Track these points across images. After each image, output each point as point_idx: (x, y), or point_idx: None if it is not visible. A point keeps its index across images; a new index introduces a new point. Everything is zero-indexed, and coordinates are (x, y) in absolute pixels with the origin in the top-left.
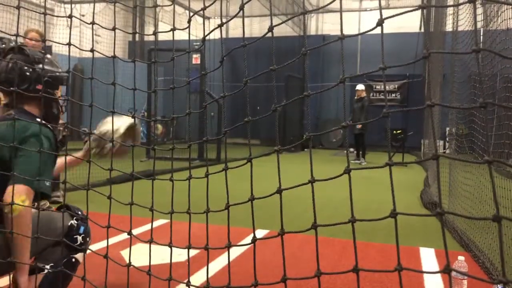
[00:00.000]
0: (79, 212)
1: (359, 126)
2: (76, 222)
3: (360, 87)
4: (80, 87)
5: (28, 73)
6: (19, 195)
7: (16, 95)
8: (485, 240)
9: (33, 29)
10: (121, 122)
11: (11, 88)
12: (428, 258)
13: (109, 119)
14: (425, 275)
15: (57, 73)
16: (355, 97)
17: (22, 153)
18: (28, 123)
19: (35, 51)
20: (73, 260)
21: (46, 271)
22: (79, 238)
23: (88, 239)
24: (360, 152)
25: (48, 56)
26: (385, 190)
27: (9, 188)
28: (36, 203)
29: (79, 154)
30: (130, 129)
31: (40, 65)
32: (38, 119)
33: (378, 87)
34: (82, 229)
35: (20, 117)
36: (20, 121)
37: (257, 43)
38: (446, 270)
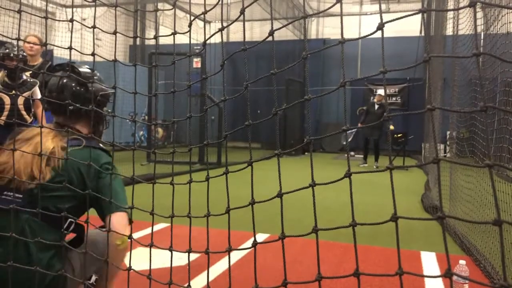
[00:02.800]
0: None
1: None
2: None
3: (381, 92)
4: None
5: (81, 92)
6: (125, 227)
7: (70, 115)
8: (486, 244)
9: (32, 34)
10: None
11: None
12: (429, 262)
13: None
14: (426, 279)
15: (107, 91)
16: (375, 101)
17: (106, 180)
18: (98, 151)
19: (86, 70)
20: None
21: (92, 280)
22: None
23: None
24: (364, 155)
25: (96, 73)
26: (386, 193)
27: (116, 217)
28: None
29: None
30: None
31: (91, 84)
32: (102, 146)
33: (378, 90)
34: None
35: (91, 144)
36: (94, 149)
37: (257, 47)
38: (447, 274)
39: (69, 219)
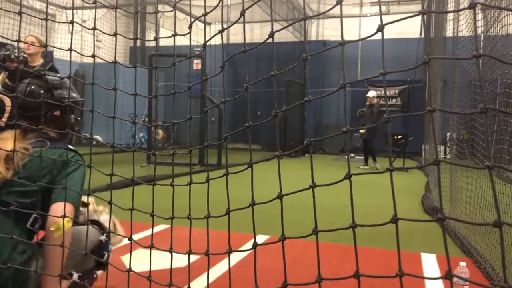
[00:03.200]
0: (108, 228)
1: (362, 131)
2: (105, 238)
3: (371, 93)
4: (81, 92)
5: (47, 98)
6: (67, 214)
7: (34, 120)
8: (487, 245)
9: (31, 35)
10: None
11: (29, 114)
12: (430, 264)
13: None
14: (426, 281)
15: (75, 99)
16: (367, 103)
17: (66, 173)
18: (65, 150)
19: (54, 77)
20: (94, 275)
21: (74, 278)
22: (106, 255)
23: (110, 257)
24: (364, 157)
25: (66, 80)
26: (386, 195)
27: (57, 206)
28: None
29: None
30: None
31: (58, 91)
32: (70, 146)
33: (378, 92)
34: (110, 246)
35: (57, 145)
36: (60, 149)
37: (258, 48)
38: (447, 276)
39: (34, 215)
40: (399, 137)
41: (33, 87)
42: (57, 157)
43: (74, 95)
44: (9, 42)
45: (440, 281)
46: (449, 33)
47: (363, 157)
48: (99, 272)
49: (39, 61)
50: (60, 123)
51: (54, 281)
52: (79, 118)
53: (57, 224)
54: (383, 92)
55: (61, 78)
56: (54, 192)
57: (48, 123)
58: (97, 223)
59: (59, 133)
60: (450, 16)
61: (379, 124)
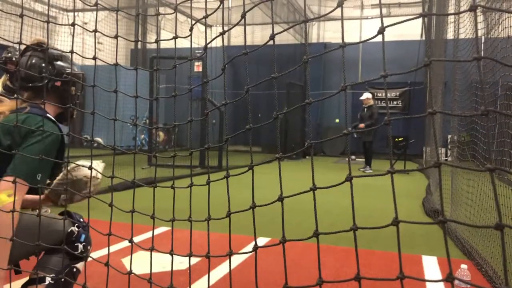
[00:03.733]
0: (81, 220)
1: (361, 125)
2: (77, 229)
3: (365, 95)
4: (82, 94)
5: (47, 70)
6: (5, 188)
7: (34, 92)
8: (488, 248)
9: (37, 39)
10: (96, 168)
11: (30, 85)
12: (431, 266)
13: (83, 164)
14: (427, 283)
15: (75, 71)
16: (363, 106)
17: (25, 144)
18: (37, 117)
19: (55, 51)
20: (74, 269)
21: (47, 282)
22: (80, 246)
23: (89, 247)
24: (365, 160)
25: (68, 55)
26: (387, 197)
27: (3, 181)
28: (37, 209)
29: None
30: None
31: (59, 62)
32: (49, 115)
33: (379, 94)
34: (83, 237)
35: (32, 111)
36: (31, 115)
37: (258, 50)
38: (449, 279)
39: None
40: (400, 139)
41: (34, 60)
42: (20, 122)
43: (75, 68)
44: (10, 44)
45: (441, 283)
46: (450, 35)
47: (363, 160)
48: (80, 264)
49: None
50: (61, 94)
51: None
52: (79, 92)
53: None
54: (383, 94)
55: (62, 51)
56: (12, 162)
57: (49, 94)
58: (68, 214)
59: (58, 106)
60: (451, 18)
61: (379, 126)
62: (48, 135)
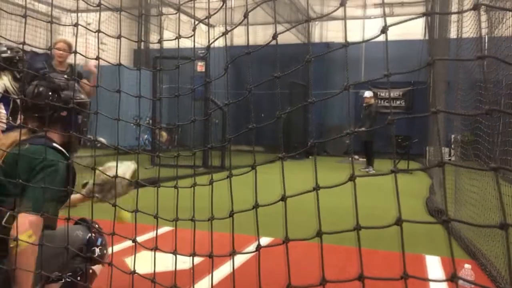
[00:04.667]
0: (96, 225)
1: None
2: (94, 235)
3: (368, 94)
4: (87, 120)
5: (53, 100)
6: (25, 229)
7: (41, 121)
8: (492, 248)
9: (61, 39)
10: (125, 168)
11: (36, 115)
12: (434, 266)
13: (112, 165)
14: (431, 283)
15: (82, 100)
16: (364, 104)
17: (34, 180)
18: (42, 148)
19: (60, 78)
20: (91, 271)
21: (63, 280)
22: (97, 250)
23: (105, 251)
24: (367, 159)
25: (73, 83)
26: (390, 197)
27: (19, 218)
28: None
29: (78, 196)
30: (133, 174)
31: (65, 92)
32: (55, 144)
33: (382, 94)
34: (99, 241)
35: (34, 142)
36: (35, 146)
37: (261, 50)
38: (452, 278)
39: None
40: (400, 138)
41: (40, 89)
42: (22, 156)
43: (82, 96)
44: (14, 45)
45: (444, 283)
46: (453, 34)
47: (365, 159)
48: (97, 267)
49: (66, 66)
50: (67, 124)
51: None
52: (86, 119)
53: (18, 243)
54: (387, 93)
55: (67, 79)
56: (23, 197)
57: (55, 123)
58: (84, 221)
59: (65, 135)
60: (454, 17)
61: (380, 126)
62: (56, 170)
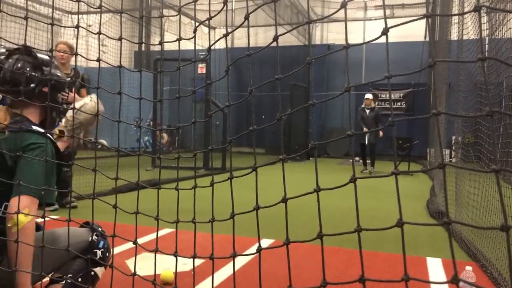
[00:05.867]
0: (99, 228)
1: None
2: (96, 237)
3: (369, 95)
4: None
5: (35, 75)
6: (23, 209)
7: (19, 96)
8: (493, 250)
9: (62, 41)
10: (81, 102)
11: (14, 88)
12: (435, 268)
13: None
14: (432, 285)
15: (61, 77)
16: (365, 106)
17: (24, 162)
18: (28, 134)
19: (43, 56)
20: (93, 273)
21: (64, 281)
22: (99, 252)
23: (107, 254)
24: (369, 161)
25: (54, 60)
26: (391, 199)
27: (13, 201)
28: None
29: (61, 144)
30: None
31: (47, 68)
32: (36, 127)
33: (383, 95)
34: (101, 243)
35: (14, 129)
36: (21, 132)
37: (262, 52)
38: (454, 280)
39: (4, 204)
40: (400, 141)
41: (19, 64)
42: (19, 141)
43: (59, 74)
44: (15, 46)
45: (446, 285)
46: (454, 36)
47: (368, 161)
48: (99, 270)
49: (70, 69)
50: (46, 100)
51: (25, 276)
52: (65, 95)
53: (13, 220)
54: (387, 95)
55: (50, 57)
56: (15, 181)
57: (35, 98)
58: (88, 224)
59: (42, 113)
60: (455, 19)
61: (381, 128)
62: (43, 150)
